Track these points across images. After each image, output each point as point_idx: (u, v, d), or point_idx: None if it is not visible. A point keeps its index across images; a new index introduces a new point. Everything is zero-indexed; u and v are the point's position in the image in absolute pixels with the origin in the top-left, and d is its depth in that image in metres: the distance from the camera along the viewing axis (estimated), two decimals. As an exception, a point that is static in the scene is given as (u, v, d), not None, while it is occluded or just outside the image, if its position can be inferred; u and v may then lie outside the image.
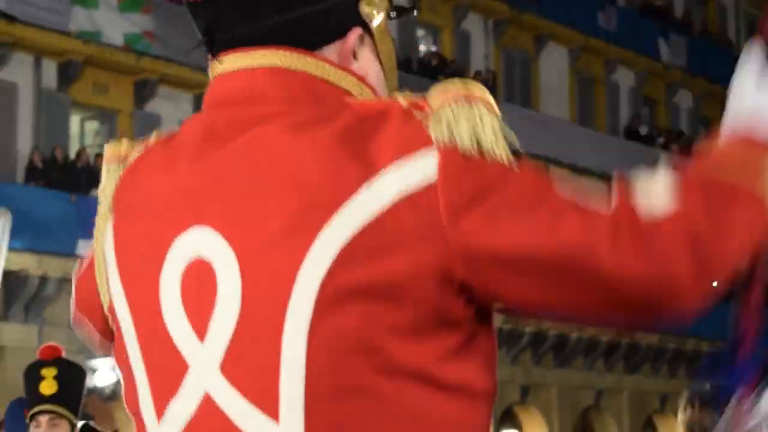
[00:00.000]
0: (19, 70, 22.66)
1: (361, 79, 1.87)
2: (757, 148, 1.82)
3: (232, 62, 1.86)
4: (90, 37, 22.77)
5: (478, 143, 1.71)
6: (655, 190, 1.72)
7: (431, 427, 1.72)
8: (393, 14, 1.92)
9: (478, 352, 1.76)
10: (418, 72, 27.95)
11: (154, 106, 24.57)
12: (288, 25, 1.83)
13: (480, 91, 1.74)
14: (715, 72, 36.51)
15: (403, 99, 1.75)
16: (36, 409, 5.82)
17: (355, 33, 1.86)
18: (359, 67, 1.87)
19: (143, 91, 24.30)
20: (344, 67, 1.85)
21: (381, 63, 1.92)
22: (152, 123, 24.31)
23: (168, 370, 1.80)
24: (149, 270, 1.82)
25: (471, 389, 1.75)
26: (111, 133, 24.14)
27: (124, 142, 1.98)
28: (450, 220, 1.68)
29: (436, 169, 1.68)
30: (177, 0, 20.34)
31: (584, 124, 34.30)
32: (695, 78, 37.06)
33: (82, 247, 20.11)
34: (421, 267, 1.68)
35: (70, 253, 20.50)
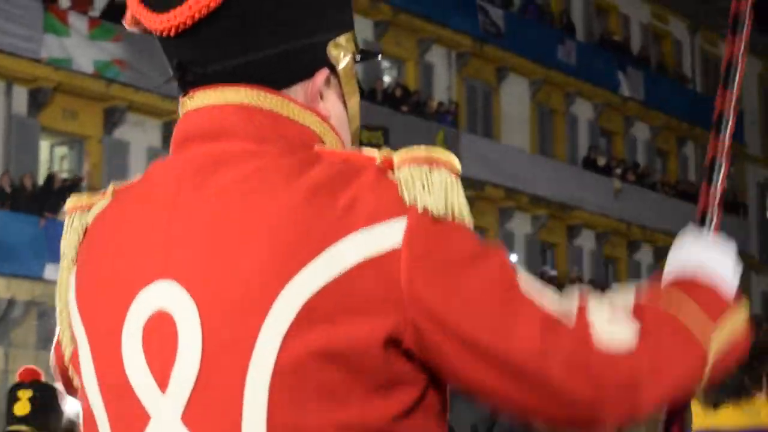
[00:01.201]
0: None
1: (324, 118, 1.88)
2: (713, 308, 1.91)
3: (201, 99, 1.86)
4: (61, 64, 22.70)
5: (449, 209, 1.72)
6: (620, 326, 1.76)
7: None
8: (359, 57, 1.94)
9: (430, 407, 1.76)
10: (382, 102, 28.03)
11: (123, 132, 24.50)
12: (258, 64, 1.84)
13: (444, 155, 1.75)
14: (670, 105, 36.83)
15: (376, 154, 1.75)
16: (7, 429, 5.80)
17: (323, 74, 1.88)
18: (324, 107, 1.89)
19: (112, 118, 24.24)
20: (309, 107, 1.87)
21: (345, 104, 1.93)
22: (121, 149, 24.26)
23: (130, 421, 1.79)
24: (112, 322, 1.81)
25: None
26: (80, 159, 24.06)
27: (85, 195, 1.98)
28: (409, 288, 1.68)
29: (402, 235, 1.69)
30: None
31: (544, 155, 34.45)
32: (652, 111, 37.31)
33: (50, 271, 19.99)
34: (373, 331, 1.68)
35: (38, 277, 20.42)
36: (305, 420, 1.69)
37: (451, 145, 30.01)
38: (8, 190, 21.50)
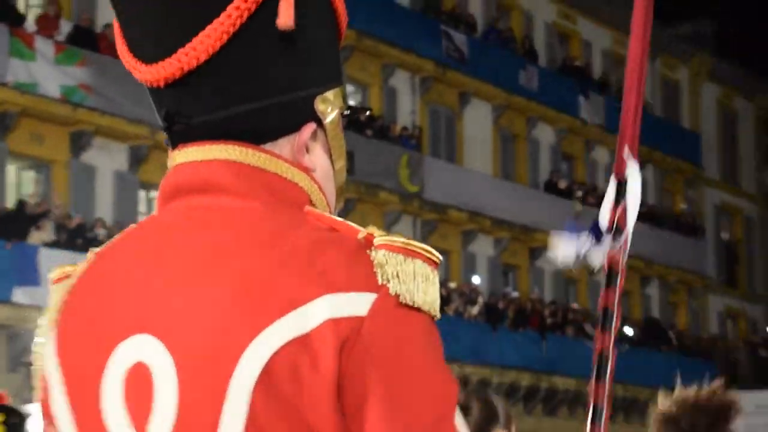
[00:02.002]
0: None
1: (308, 173, 1.87)
2: None
3: (189, 154, 1.86)
4: (27, 89, 22.58)
5: (416, 300, 1.72)
6: None
7: None
8: (346, 112, 1.94)
9: None
10: (347, 127, 27.98)
11: (90, 156, 24.40)
12: (245, 117, 1.84)
13: (420, 247, 1.75)
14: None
15: (359, 231, 1.76)
16: None
17: (309, 128, 1.87)
18: (309, 160, 1.88)
19: (79, 142, 24.13)
20: (295, 163, 1.86)
21: (331, 157, 1.92)
22: (87, 173, 24.16)
23: None
24: (91, 374, 1.81)
25: None
26: (47, 183, 23.94)
27: (68, 266, 1.98)
28: (359, 358, 1.69)
29: (369, 308, 1.69)
30: (114, 53, 20.19)
31: (506, 178, 34.55)
32: (612, 135, 37.40)
33: (18, 294, 19.85)
34: (327, 384, 1.69)
35: (6, 300, 20.25)
36: None
37: (415, 169, 30.06)
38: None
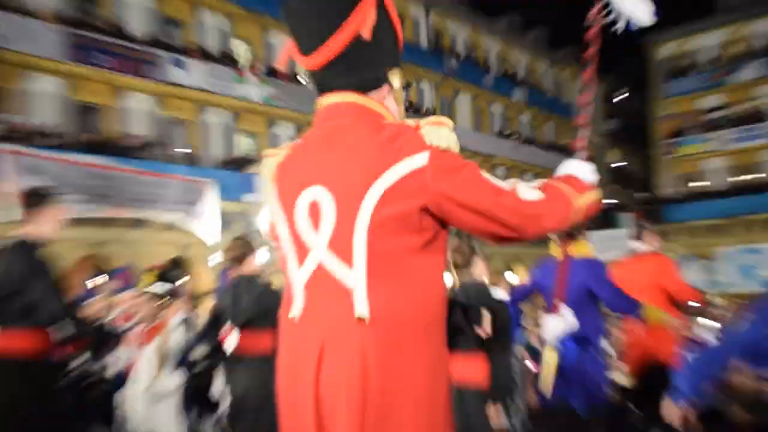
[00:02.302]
0: (213, 119, 22.44)
1: (388, 109, 1.89)
2: (577, 187, 1.96)
3: (329, 99, 1.88)
4: (242, 99, 22.52)
5: (448, 146, 1.75)
6: (533, 192, 1.83)
7: (422, 271, 1.78)
8: (403, 82, 1.99)
9: (440, 243, 1.81)
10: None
11: (277, 130, 24.41)
12: (357, 81, 1.86)
13: (444, 119, 1.77)
14: (540, 103, 36.22)
15: (412, 123, 1.79)
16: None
17: (386, 88, 1.90)
18: (388, 103, 1.90)
19: (271, 122, 24.11)
20: (381, 103, 1.88)
21: (397, 103, 1.94)
22: (276, 139, 24.21)
23: (303, 252, 1.83)
24: (291, 205, 1.85)
25: (438, 257, 1.80)
26: (257, 144, 24.01)
27: (272, 149, 2.02)
28: (432, 182, 1.72)
29: (427, 159, 1.73)
30: (288, 77, 20.01)
31: (478, 130, 34.03)
32: (531, 107, 36.71)
33: (246, 198, 19.93)
34: (414, 206, 1.72)
35: (241, 200, 20.42)
36: (385, 246, 1.74)
37: (434, 128, 29.56)
38: (225, 159, 21.53)
